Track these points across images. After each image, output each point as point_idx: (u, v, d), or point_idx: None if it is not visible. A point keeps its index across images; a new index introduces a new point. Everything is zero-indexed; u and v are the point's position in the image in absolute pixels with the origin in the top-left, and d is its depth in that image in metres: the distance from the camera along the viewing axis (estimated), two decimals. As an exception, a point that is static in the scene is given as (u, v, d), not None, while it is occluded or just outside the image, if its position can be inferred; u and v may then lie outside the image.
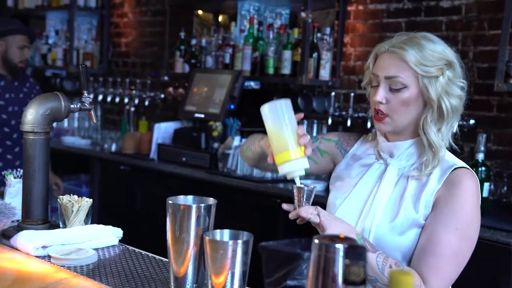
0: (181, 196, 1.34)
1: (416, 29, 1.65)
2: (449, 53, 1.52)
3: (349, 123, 3.33)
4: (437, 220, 1.47)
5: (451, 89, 1.50)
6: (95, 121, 1.88)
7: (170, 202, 1.29)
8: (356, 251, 0.86)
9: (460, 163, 1.54)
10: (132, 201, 3.91)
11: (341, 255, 0.95)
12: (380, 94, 1.51)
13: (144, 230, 3.42)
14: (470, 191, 1.48)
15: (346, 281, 0.83)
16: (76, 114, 4.92)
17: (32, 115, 1.73)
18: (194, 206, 1.28)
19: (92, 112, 1.85)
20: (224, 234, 1.26)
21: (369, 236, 1.50)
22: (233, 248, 1.20)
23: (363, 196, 1.58)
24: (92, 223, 1.76)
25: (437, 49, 1.50)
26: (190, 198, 1.34)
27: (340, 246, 0.95)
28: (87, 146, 4.58)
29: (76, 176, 4.85)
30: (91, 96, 1.84)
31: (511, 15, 2.66)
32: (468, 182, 1.49)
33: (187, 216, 1.27)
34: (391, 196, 1.54)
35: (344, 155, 1.70)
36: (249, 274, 1.25)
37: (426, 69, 1.48)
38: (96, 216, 4.06)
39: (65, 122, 5.01)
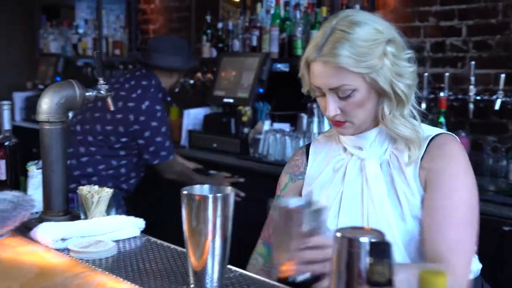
0: (197, 186, 1.26)
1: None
2: (381, 28, 1.38)
3: (382, 103, 3.19)
4: (437, 196, 1.35)
5: (399, 68, 1.37)
6: (112, 109, 1.81)
7: (185, 192, 1.22)
8: (379, 248, 0.77)
9: (438, 130, 1.44)
10: (163, 189, 3.87)
11: (367, 249, 0.86)
12: (331, 108, 1.39)
13: (174, 220, 3.38)
14: (459, 153, 1.38)
15: (369, 281, 0.73)
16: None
17: (47, 104, 1.67)
18: (210, 196, 1.20)
19: (109, 99, 1.79)
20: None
21: None
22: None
23: (356, 208, 1.44)
24: (117, 213, 1.71)
25: (367, 35, 1.35)
26: (206, 187, 1.27)
27: (365, 241, 0.85)
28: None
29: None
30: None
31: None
32: (453, 144, 1.39)
33: (203, 206, 1.19)
34: (386, 191, 1.42)
35: (304, 178, 1.56)
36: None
37: (367, 64, 1.34)
38: (124, 205, 4.04)
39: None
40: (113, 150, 2.98)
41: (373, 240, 0.85)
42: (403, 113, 1.40)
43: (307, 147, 1.61)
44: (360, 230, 0.92)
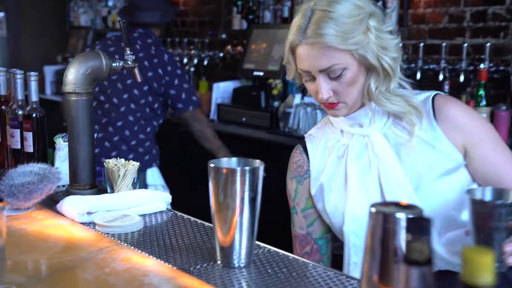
0: (224, 159, 1.23)
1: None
2: (361, 3, 1.34)
3: (418, 75, 3.10)
4: (485, 150, 1.36)
5: (383, 40, 1.34)
6: (139, 80, 1.79)
7: (212, 165, 1.18)
8: (418, 224, 0.71)
9: (429, 92, 1.42)
10: (191, 163, 3.87)
11: (403, 225, 0.81)
12: (324, 90, 1.35)
13: (202, 195, 3.38)
14: (464, 106, 1.42)
15: (407, 259, 0.68)
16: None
17: (73, 75, 1.65)
18: (238, 169, 1.16)
19: (136, 70, 1.76)
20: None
21: None
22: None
23: (369, 183, 1.40)
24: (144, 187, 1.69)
25: (349, 11, 1.32)
26: (234, 160, 1.23)
27: (401, 216, 0.80)
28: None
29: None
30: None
31: None
32: (454, 103, 1.40)
33: (230, 180, 1.16)
34: (397, 160, 1.38)
35: (311, 176, 1.52)
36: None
37: (354, 41, 1.31)
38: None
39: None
40: (152, 111, 3.03)
41: (410, 215, 0.80)
42: (389, 88, 1.37)
43: (303, 145, 1.56)
44: (396, 205, 0.87)
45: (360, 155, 1.43)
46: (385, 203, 0.87)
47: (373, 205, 0.85)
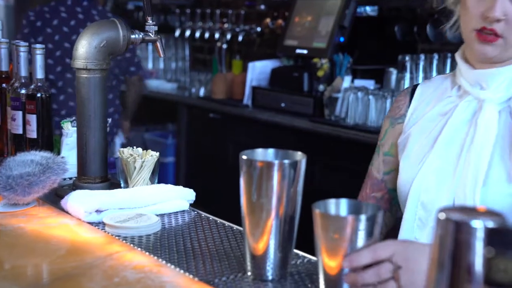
0: (259, 150, 1.20)
1: None
2: None
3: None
4: None
5: None
6: (162, 55, 1.78)
7: (244, 157, 1.15)
8: (502, 236, 0.66)
9: None
10: (223, 154, 3.87)
11: (480, 237, 0.76)
12: (499, 7, 1.30)
13: (232, 192, 3.38)
14: None
15: (487, 281, 0.63)
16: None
17: (84, 47, 1.64)
18: (276, 162, 1.13)
19: (158, 44, 1.74)
20: (340, 206, 1.10)
21: None
22: (353, 227, 1.03)
23: (451, 153, 1.37)
24: (177, 181, 1.68)
25: None
26: (271, 152, 1.20)
27: (479, 225, 0.75)
28: (173, 90, 4.62)
29: (162, 125, 4.90)
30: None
31: None
32: None
33: (266, 175, 1.13)
34: (496, 144, 1.33)
35: (404, 121, 1.52)
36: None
37: None
38: (183, 173, 4.08)
39: (149, 63, 5.04)
40: (118, 82, 3.62)
41: (490, 225, 0.74)
42: None
43: (415, 86, 1.57)
44: (472, 211, 0.81)
45: (461, 125, 1.39)
46: (458, 208, 0.82)
47: (442, 210, 0.79)
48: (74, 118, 1.85)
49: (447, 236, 0.79)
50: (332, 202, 1.09)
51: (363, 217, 1.03)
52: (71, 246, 1.36)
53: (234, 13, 4.51)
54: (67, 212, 1.54)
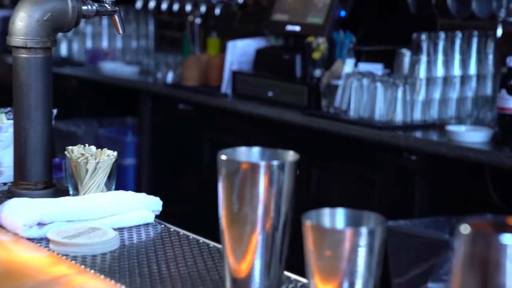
0: (242, 149, 1.22)
1: None
2: None
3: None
4: None
5: None
6: (121, 32, 1.82)
7: (223, 158, 1.17)
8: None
9: None
10: (196, 155, 3.90)
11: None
12: None
13: (207, 201, 3.41)
14: None
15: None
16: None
17: (23, 21, 1.68)
18: (262, 164, 1.15)
19: (117, 18, 1.78)
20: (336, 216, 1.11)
21: None
22: (351, 242, 1.04)
23: None
24: (139, 187, 1.70)
25: None
26: (255, 151, 1.22)
27: (509, 241, 0.76)
28: (134, 75, 4.62)
29: (120, 119, 4.90)
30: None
31: None
32: None
33: (250, 180, 1.15)
34: None
35: None
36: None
37: None
38: (147, 177, 4.09)
39: (104, 41, 5.04)
40: None
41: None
42: None
43: None
44: (500, 222, 0.83)
45: None
46: (484, 221, 0.84)
47: (466, 222, 0.81)
48: (10, 108, 1.86)
49: (474, 253, 0.81)
50: (326, 212, 1.10)
51: (364, 230, 1.05)
52: (6, 268, 1.37)
53: (210, -20, 4.54)
54: (1, 226, 1.54)
